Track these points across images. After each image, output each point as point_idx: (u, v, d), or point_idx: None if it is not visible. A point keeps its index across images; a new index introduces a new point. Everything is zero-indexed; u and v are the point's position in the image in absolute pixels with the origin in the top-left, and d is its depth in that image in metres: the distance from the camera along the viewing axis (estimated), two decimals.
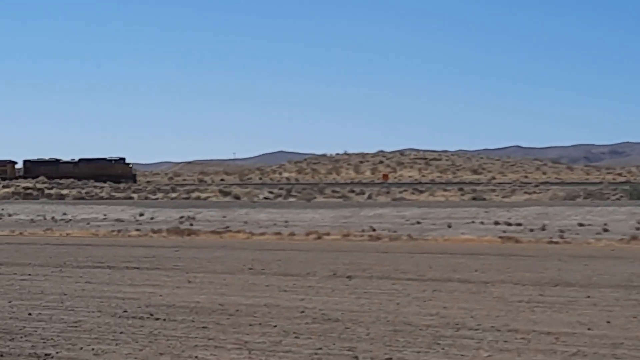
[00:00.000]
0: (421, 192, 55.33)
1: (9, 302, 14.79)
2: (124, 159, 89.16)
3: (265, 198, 51.16)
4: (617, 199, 43.30)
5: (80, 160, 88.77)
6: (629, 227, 30.11)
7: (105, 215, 41.39)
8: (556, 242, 26.14)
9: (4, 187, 65.25)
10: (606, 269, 18.73)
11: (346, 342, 11.12)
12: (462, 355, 10.37)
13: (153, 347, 10.98)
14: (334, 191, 55.54)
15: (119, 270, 19.62)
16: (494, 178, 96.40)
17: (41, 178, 75.54)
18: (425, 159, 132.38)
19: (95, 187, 65.73)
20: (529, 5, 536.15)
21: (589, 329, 11.88)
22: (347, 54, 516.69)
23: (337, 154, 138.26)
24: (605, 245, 25.10)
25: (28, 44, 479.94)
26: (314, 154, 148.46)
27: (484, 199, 46.44)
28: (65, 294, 15.58)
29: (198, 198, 53.18)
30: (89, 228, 35.00)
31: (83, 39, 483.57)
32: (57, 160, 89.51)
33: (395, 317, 12.81)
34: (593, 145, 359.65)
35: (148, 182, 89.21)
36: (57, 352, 10.82)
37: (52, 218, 40.86)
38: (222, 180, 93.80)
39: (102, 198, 55.65)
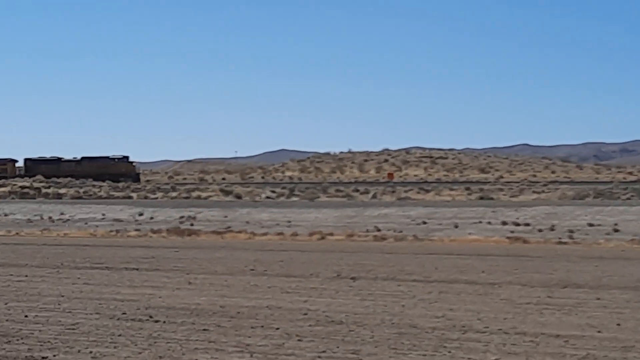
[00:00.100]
0: (427, 191, 55.04)
1: (6, 303, 14.69)
2: (127, 157, 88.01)
3: (268, 197, 51.06)
4: (628, 199, 43.12)
5: (83, 158, 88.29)
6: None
7: (103, 215, 41.29)
8: (565, 243, 26.08)
9: (0, 186, 65.12)
10: (616, 270, 18.69)
11: (350, 345, 11.04)
12: (469, 358, 10.29)
13: (152, 350, 10.89)
14: (337, 190, 55.36)
15: (118, 271, 19.50)
16: (501, 177, 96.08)
17: (38, 177, 75.27)
18: (432, 157, 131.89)
19: (93, 186, 65.57)
20: (539, 2, 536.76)
21: (598, 331, 11.80)
22: (352, 51, 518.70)
23: (341, 153, 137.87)
24: (616, 246, 24.97)
25: (29, 44, 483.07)
26: (317, 152, 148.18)
27: (492, 199, 46.37)
28: (62, 296, 15.49)
29: (199, 197, 53.06)
30: (87, 228, 34.89)
31: (84, 38, 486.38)
32: (59, 159, 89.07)
33: (401, 320, 12.73)
34: (603, 143, 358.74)
35: (147, 181, 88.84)
36: (54, 355, 10.72)
37: (50, 218, 40.76)
38: (223, 179, 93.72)
39: (100, 197, 55.59)
